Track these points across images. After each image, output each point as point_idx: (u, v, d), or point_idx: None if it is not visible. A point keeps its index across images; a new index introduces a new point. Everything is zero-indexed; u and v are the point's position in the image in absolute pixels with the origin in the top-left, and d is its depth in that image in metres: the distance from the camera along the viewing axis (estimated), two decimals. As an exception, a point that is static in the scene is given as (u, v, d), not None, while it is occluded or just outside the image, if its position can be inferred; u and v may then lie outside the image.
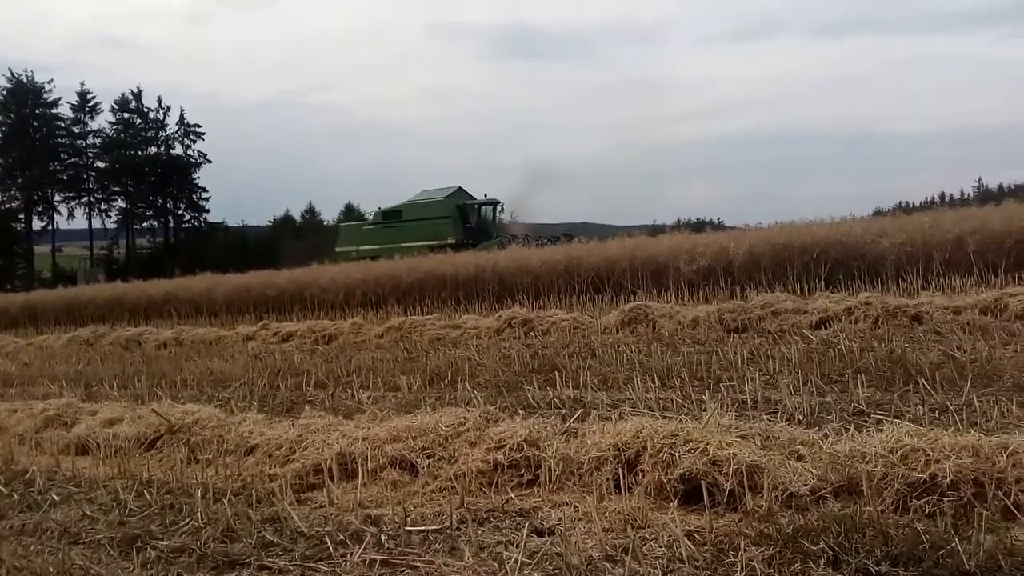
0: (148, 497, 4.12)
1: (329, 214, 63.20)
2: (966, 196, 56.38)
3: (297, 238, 52.63)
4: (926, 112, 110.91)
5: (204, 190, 61.67)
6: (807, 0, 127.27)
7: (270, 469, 4.44)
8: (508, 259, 18.08)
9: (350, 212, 60.92)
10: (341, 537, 3.28)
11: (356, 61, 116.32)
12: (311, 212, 62.41)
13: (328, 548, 3.19)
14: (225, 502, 3.76)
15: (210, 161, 62.04)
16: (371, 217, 34.65)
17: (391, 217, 32.47)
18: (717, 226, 27.12)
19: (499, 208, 32.70)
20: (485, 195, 32.14)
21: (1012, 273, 12.19)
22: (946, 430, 3.49)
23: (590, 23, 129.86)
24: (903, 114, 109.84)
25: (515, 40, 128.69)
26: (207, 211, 61.66)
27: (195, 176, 61.51)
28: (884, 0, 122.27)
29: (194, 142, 61.58)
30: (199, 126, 61.82)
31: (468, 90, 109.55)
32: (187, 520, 3.69)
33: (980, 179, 66.80)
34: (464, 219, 30.73)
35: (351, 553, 3.12)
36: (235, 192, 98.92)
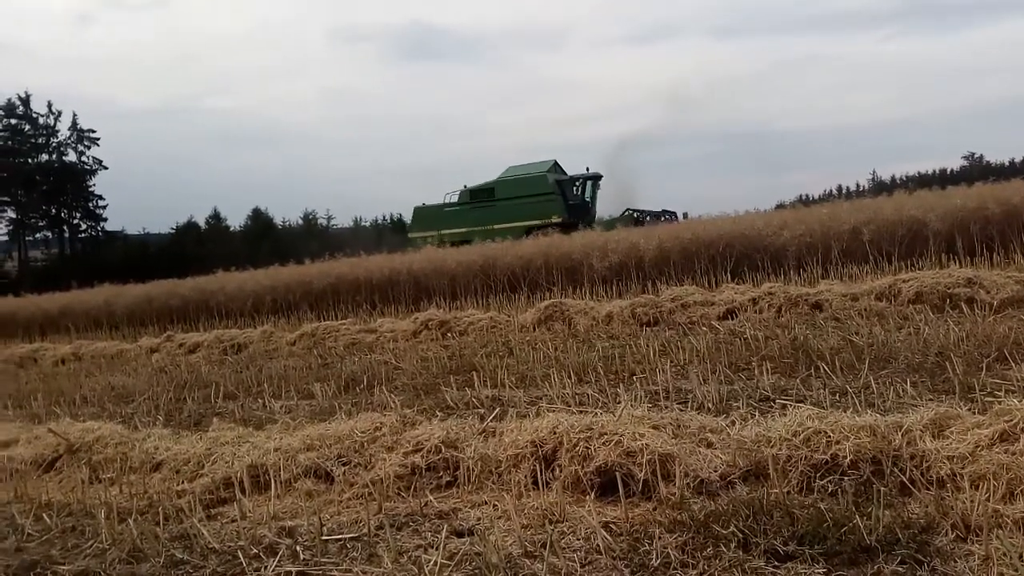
0: (48, 521, 3.91)
1: (236, 219, 61.33)
2: (861, 188, 59.32)
3: (201, 245, 50.84)
4: (822, 109, 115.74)
5: (101, 198, 58.88)
6: (702, 4, 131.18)
7: (178, 485, 4.29)
8: (423, 260, 17.99)
9: (258, 216, 59.36)
10: (254, 551, 3.19)
11: (254, 65, 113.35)
12: (216, 217, 60.33)
13: (241, 563, 3.10)
14: (131, 521, 3.61)
15: (106, 167, 59.27)
16: (454, 198, 29.89)
17: (481, 196, 28.70)
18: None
19: (598, 184, 29.05)
20: (587, 168, 28.86)
21: (904, 260, 12.87)
22: (845, 412, 3.66)
23: (491, 26, 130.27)
24: (801, 111, 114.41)
25: (418, 42, 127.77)
26: (105, 219, 58.89)
27: (90, 183, 58.63)
28: (777, 3, 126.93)
29: (88, 148, 58.65)
30: (93, 131, 58.88)
31: (372, 92, 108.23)
32: (90, 542, 3.52)
33: (874, 171, 70.24)
34: (564, 196, 27.55)
35: (265, 567, 3.03)
36: (135, 199, 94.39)
